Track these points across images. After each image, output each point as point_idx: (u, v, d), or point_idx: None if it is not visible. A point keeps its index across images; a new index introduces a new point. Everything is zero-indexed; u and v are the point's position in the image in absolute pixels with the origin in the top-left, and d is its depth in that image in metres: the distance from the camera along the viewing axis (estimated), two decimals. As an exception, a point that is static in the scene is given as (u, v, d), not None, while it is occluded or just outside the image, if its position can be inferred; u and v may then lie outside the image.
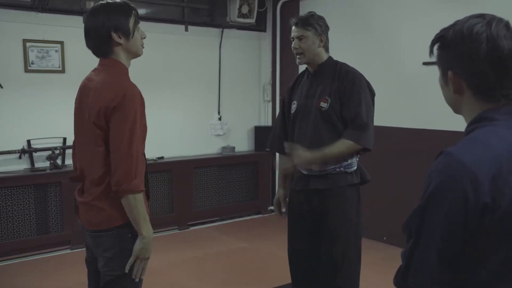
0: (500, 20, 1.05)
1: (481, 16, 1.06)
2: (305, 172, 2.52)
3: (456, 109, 1.15)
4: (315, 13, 2.55)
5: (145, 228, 1.84)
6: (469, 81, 1.06)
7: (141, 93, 1.84)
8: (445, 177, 0.99)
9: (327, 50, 2.57)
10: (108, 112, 1.77)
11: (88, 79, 1.93)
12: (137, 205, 1.80)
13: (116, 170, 1.77)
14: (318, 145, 2.44)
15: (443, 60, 1.11)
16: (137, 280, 1.90)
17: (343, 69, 2.49)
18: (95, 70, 1.94)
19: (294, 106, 2.61)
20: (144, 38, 1.95)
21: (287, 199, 2.70)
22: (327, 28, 2.56)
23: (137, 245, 1.86)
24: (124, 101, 1.76)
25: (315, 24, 2.50)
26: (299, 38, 2.51)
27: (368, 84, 2.49)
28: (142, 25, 1.96)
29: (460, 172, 0.97)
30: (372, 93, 2.50)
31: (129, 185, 1.77)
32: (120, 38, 1.84)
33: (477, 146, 1.01)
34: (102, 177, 1.83)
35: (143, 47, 1.96)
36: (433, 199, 1.00)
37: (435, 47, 1.12)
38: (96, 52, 1.91)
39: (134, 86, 1.83)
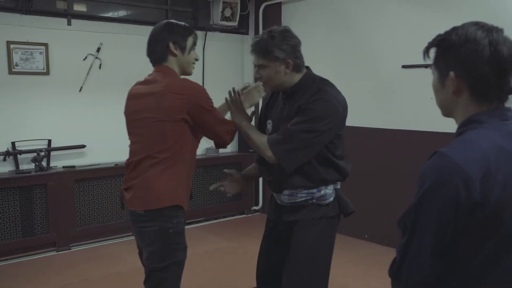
0: (498, 28, 1.15)
1: (477, 24, 1.15)
2: (279, 202, 2.32)
3: (448, 111, 1.22)
4: (276, 32, 2.10)
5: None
6: (470, 82, 1.14)
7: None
8: (439, 176, 1.07)
9: (299, 70, 2.15)
10: (192, 108, 2.09)
11: (143, 83, 2.21)
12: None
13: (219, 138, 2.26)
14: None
15: (444, 62, 1.18)
16: None
17: (316, 96, 2.09)
18: (150, 75, 2.21)
19: (269, 126, 2.32)
20: (197, 60, 2.23)
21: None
22: (294, 47, 2.11)
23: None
24: (200, 98, 2.13)
25: (276, 49, 2.07)
26: (259, 66, 2.14)
27: (341, 115, 2.12)
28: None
29: (454, 171, 1.05)
30: (342, 124, 2.16)
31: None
32: (176, 49, 2.13)
33: (468, 147, 1.09)
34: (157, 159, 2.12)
35: (194, 68, 2.25)
36: (428, 196, 1.08)
37: (433, 51, 1.19)
38: (153, 58, 2.19)
39: (198, 84, 2.18)
